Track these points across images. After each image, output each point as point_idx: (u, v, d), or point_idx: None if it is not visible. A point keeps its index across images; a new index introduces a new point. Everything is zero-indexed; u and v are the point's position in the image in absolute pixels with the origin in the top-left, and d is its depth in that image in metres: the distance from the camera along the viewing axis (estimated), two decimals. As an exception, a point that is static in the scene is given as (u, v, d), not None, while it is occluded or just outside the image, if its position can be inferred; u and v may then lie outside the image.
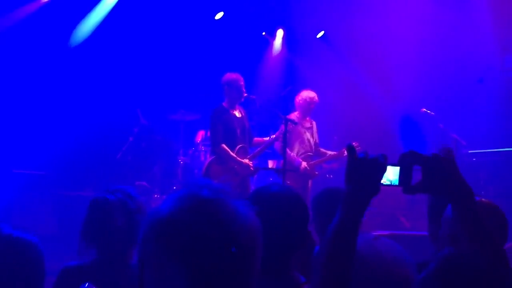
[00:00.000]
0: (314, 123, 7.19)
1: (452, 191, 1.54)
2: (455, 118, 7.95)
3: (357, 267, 1.49)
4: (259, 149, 6.52)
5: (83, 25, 8.45)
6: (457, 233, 1.59)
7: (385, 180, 1.57)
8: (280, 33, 10.19)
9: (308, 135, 7.05)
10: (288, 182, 6.28)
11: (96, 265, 2.51)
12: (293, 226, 2.02)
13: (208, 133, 7.26)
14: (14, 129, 7.59)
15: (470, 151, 7.71)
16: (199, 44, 8.99)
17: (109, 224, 2.47)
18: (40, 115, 7.85)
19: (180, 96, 8.66)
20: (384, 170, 1.53)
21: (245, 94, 6.32)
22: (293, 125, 6.44)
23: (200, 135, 8.27)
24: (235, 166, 6.14)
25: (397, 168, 1.59)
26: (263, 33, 10.02)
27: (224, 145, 6.12)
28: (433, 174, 1.54)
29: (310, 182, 6.96)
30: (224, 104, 6.34)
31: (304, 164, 6.80)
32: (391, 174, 1.59)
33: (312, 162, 6.99)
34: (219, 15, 9.32)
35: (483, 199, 2.23)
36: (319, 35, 9.98)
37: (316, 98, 7.02)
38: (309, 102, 6.98)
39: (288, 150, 6.44)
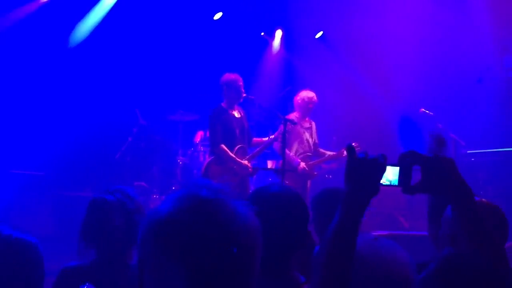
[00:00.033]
0: (313, 123, 7.19)
1: (452, 191, 1.54)
2: (454, 118, 7.95)
3: (357, 267, 1.49)
4: (258, 149, 6.52)
5: (82, 25, 8.45)
6: (457, 233, 1.59)
7: (384, 180, 1.57)
8: (278, 33, 10.20)
9: (307, 135, 7.05)
10: (287, 182, 6.27)
11: (95, 265, 2.51)
12: (293, 226, 2.02)
13: (207, 134, 7.26)
14: (12, 129, 7.58)
15: (469, 151, 7.71)
16: (198, 44, 8.99)
17: (108, 224, 2.47)
18: (39, 116, 7.85)
19: (179, 97, 8.66)
20: (384, 170, 1.53)
21: (244, 95, 6.31)
22: (292, 125, 6.44)
23: (199, 136, 8.27)
24: (234, 167, 6.14)
25: (397, 168, 1.59)
26: (262, 34, 10.02)
27: (223, 146, 6.11)
28: (433, 174, 1.54)
29: (309, 183, 6.96)
30: (223, 104, 6.33)
31: (302, 164, 6.79)
32: (391, 174, 1.59)
33: (311, 163, 6.99)
34: (218, 16, 9.32)
35: (483, 200, 2.23)
36: (318, 35, 9.98)
37: (315, 98, 7.02)
38: (307, 102, 6.98)
39: (287, 150, 6.44)
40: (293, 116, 6.86)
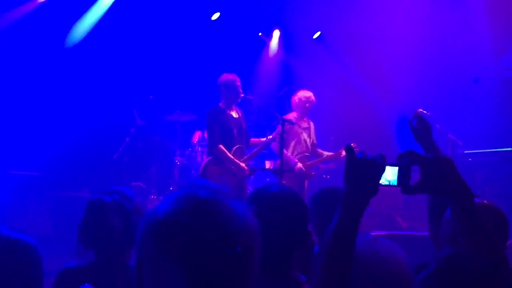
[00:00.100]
0: (312, 123, 7.19)
1: (451, 191, 1.54)
2: (452, 118, 7.96)
3: (357, 267, 1.49)
4: (256, 149, 6.52)
5: (80, 25, 8.43)
6: (457, 233, 1.59)
7: (383, 180, 1.57)
8: (276, 33, 10.20)
9: (305, 135, 7.05)
10: (285, 182, 6.27)
11: (94, 266, 2.50)
12: (292, 226, 2.02)
13: (205, 134, 7.26)
14: (10, 130, 7.57)
15: (466, 151, 7.72)
16: (196, 44, 8.98)
17: (106, 225, 2.47)
18: (36, 116, 7.83)
19: (176, 97, 8.65)
20: (383, 170, 1.53)
21: (242, 95, 6.31)
22: (290, 125, 6.43)
23: (197, 136, 8.26)
24: (232, 167, 6.14)
25: (396, 168, 1.59)
26: (260, 34, 10.01)
27: (221, 146, 6.11)
28: (432, 174, 1.54)
29: (306, 183, 6.96)
30: (221, 104, 6.33)
31: (299, 164, 6.79)
32: (390, 174, 1.59)
33: (309, 163, 6.99)
34: (215, 16, 9.32)
35: (484, 201, 2.23)
36: (316, 35, 9.98)
37: (313, 97, 7.02)
38: (305, 102, 6.98)
39: (284, 150, 6.44)
40: (291, 116, 6.85)
